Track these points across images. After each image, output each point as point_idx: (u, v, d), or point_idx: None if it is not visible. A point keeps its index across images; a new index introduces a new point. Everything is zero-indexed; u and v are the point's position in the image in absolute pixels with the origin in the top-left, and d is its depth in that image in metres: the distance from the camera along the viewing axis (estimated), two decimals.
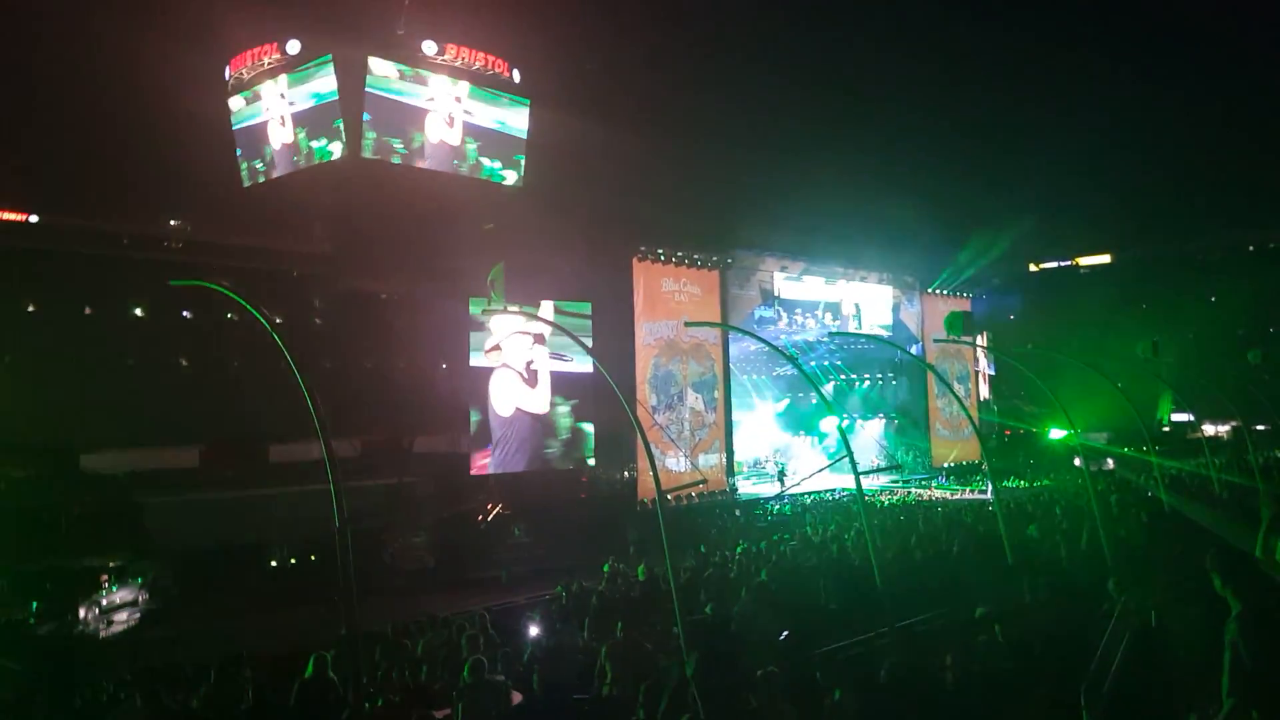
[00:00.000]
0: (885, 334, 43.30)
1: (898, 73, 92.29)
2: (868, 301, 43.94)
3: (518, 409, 31.41)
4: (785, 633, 9.85)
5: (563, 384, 32.54)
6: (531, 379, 31.86)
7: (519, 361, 31.67)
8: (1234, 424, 52.65)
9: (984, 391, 52.08)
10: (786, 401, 48.21)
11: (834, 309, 42.06)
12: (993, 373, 53.31)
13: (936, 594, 12.23)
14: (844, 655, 9.06)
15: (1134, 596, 8.21)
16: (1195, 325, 65.29)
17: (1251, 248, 70.19)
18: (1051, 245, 74.69)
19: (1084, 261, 77.52)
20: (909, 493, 37.08)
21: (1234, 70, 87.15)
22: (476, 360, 30.91)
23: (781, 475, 34.58)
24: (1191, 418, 54.71)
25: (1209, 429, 52.38)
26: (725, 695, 8.60)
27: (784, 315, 39.40)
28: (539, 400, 32.02)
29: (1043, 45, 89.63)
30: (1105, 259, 76.84)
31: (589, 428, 33.09)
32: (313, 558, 24.88)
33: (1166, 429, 54.05)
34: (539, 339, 31.59)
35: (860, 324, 42.65)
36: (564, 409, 32.70)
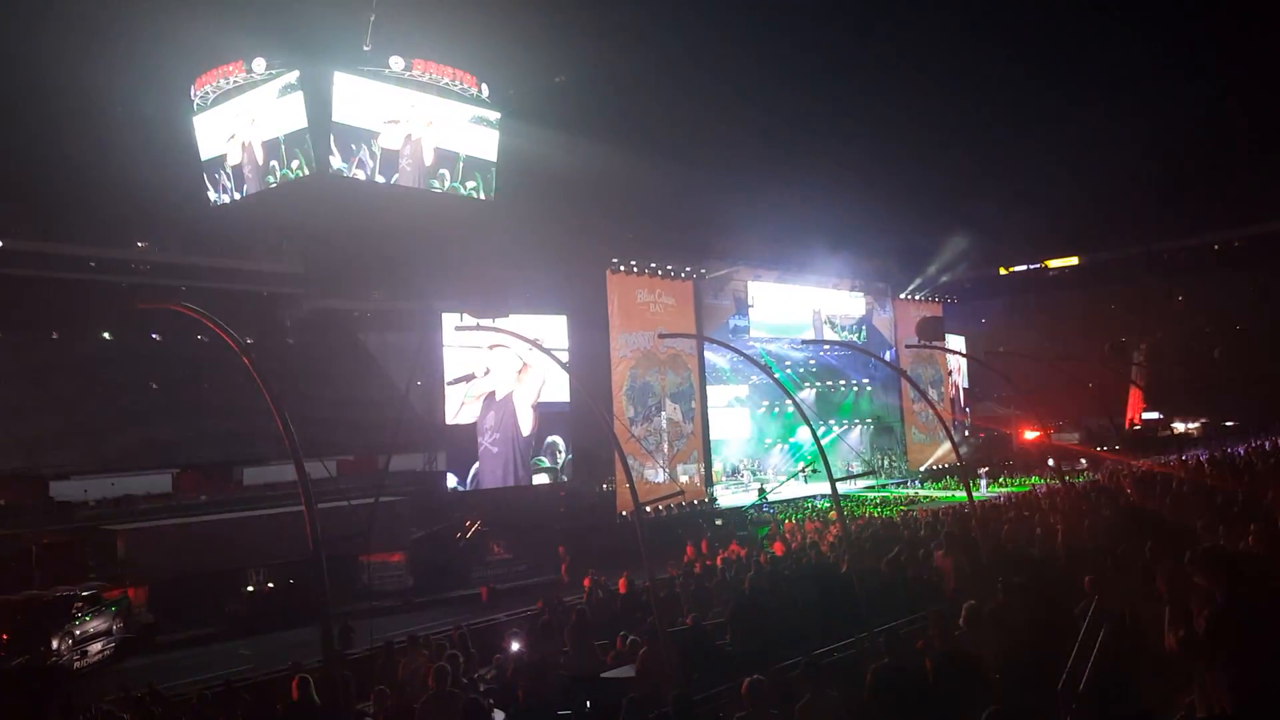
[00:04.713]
0: (858, 341, 43.58)
1: (864, 78, 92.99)
2: (839, 309, 44.25)
3: (499, 428, 31.43)
4: None
5: (540, 399, 32.57)
6: (510, 397, 31.86)
7: (498, 379, 31.69)
8: (1202, 421, 53.54)
9: (958, 395, 52.48)
10: (764, 409, 48.33)
11: (806, 316, 42.28)
12: (966, 380, 53.75)
13: (915, 595, 12.33)
14: (827, 660, 9.07)
15: (1109, 593, 8.31)
16: (1163, 325, 66.18)
17: (1217, 247, 71.21)
18: (1021, 248, 75.37)
19: (1053, 264, 78.30)
20: (887, 497, 37.28)
21: (1198, 72, 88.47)
22: (453, 378, 30.90)
23: (762, 493, 34.70)
24: (1161, 416, 55.43)
25: (1179, 426, 53.06)
26: (712, 706, 8.63)
27: (757, 324, 39.48)
28: (521, 418, 32.05)
29: (1008, 52, 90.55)
30: (1074, 261, 77.68)
31: (566, 441, 33.12)
32: (290, 581, 24.63)
33: (1138, 427, 54.64)
34: (517, 354, 31.58)
35: (833, 331, 42.93)
36: (543, 425, 32.76)
